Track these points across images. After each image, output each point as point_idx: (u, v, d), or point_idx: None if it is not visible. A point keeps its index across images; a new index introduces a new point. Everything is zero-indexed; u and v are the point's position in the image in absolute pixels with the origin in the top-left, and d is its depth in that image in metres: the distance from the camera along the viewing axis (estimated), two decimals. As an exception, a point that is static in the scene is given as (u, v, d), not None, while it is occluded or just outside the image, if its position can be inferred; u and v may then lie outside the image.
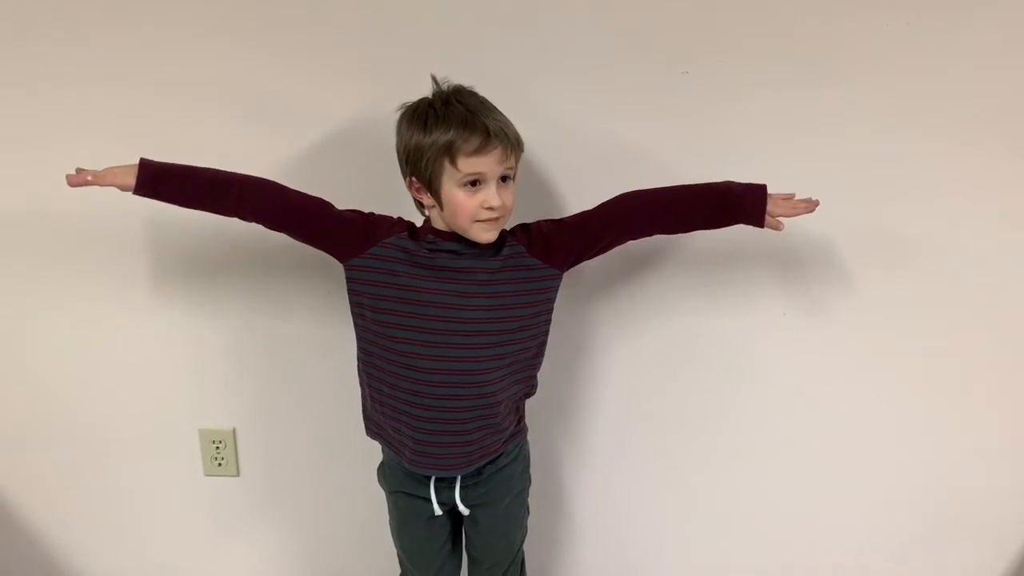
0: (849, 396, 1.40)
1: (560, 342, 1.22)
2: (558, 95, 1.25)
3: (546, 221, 1.15)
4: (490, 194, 1.03)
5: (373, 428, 1.21)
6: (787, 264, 1.33)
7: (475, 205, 1.03)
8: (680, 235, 1.21)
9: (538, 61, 1.24)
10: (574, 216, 1.15)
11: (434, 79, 1.08)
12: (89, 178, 1.08)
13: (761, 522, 1.51)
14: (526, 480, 1.26)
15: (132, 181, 1.08)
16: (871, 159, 1.27)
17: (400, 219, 1.15)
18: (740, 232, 1.16)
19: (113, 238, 1.38)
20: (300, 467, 1.52)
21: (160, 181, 1.09)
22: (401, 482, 1.20)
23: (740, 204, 1.11)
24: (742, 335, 1.38)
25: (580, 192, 1.26)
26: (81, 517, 1.57)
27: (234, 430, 1.50)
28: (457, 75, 1.10)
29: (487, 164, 1.01)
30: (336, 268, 1.16)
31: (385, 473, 1.24)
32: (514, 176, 1.08)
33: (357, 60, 1.26)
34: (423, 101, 1.06)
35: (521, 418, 1.22)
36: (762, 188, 1.11)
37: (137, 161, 1.09)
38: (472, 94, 1.06)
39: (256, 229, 1.16)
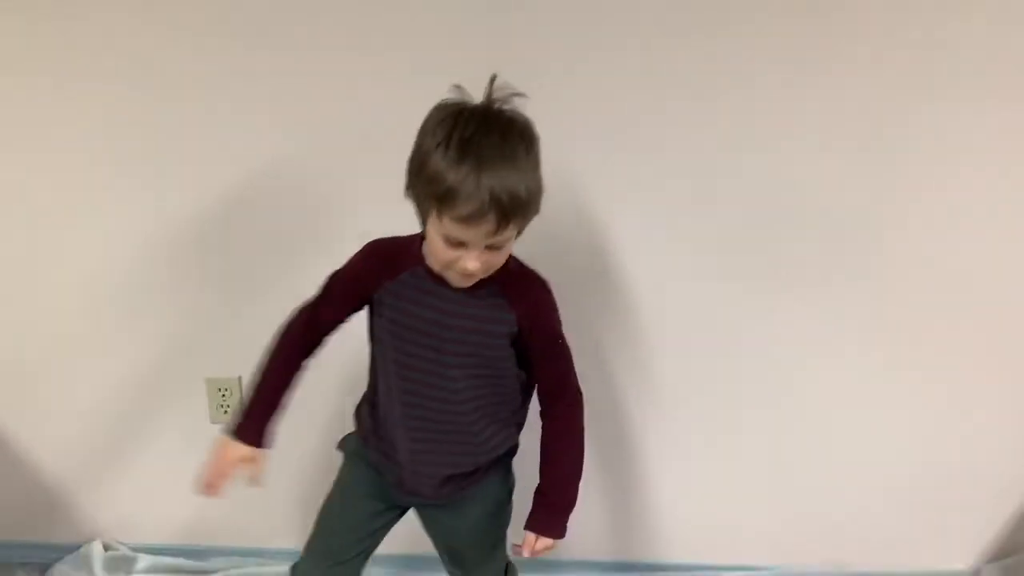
0: (859, 383, 1.47)
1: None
2: (562, 84, 1.25)
3: (549, 315, 1.07)
4: (468, 259, 0.92)
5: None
6: (802, 249, 1.36)
7: (451, 259, 0.94)
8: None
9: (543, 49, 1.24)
10: (548, 359, 1.08)
11: (491, 83, 0.93)
12: (215, 481, 1.09)
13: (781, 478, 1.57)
14: (504, 518, 1.22)
15: (248, 452, 1.08)
16: (884, 140, 1.29)
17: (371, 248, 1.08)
18: (762, 222, 1.23)
19: (128, 188, 1.39)
20: (305, 414, 1.52)
21: (265, 427, 1.10)
22: (363, 453, 1.18)
23: (540, 503, 1.10)
24: (753, 315, 1.42)
25: (578, 179, 1.29)
26: (87, 461, 1.61)
27: (240, 378, 1.51)
28: (456, 67, 0.99)
29: (472, 235, 0.90)
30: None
31: (351, 443, 1.22)
32: (516, 236, 0.96)
33: (375, 60, 1.26)
34: (460, 111, 0.91)
35: (508, 471, 1.20)
36: (558, 533, 1.10)
37: (226, 437, 1.09)
38: (502, 135, 0.89)
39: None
